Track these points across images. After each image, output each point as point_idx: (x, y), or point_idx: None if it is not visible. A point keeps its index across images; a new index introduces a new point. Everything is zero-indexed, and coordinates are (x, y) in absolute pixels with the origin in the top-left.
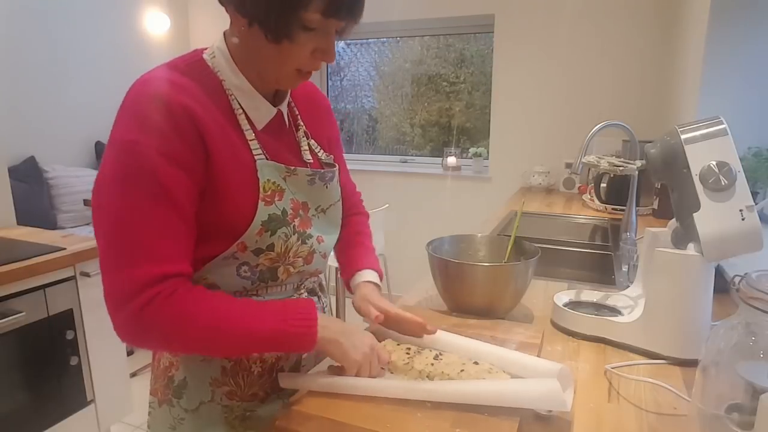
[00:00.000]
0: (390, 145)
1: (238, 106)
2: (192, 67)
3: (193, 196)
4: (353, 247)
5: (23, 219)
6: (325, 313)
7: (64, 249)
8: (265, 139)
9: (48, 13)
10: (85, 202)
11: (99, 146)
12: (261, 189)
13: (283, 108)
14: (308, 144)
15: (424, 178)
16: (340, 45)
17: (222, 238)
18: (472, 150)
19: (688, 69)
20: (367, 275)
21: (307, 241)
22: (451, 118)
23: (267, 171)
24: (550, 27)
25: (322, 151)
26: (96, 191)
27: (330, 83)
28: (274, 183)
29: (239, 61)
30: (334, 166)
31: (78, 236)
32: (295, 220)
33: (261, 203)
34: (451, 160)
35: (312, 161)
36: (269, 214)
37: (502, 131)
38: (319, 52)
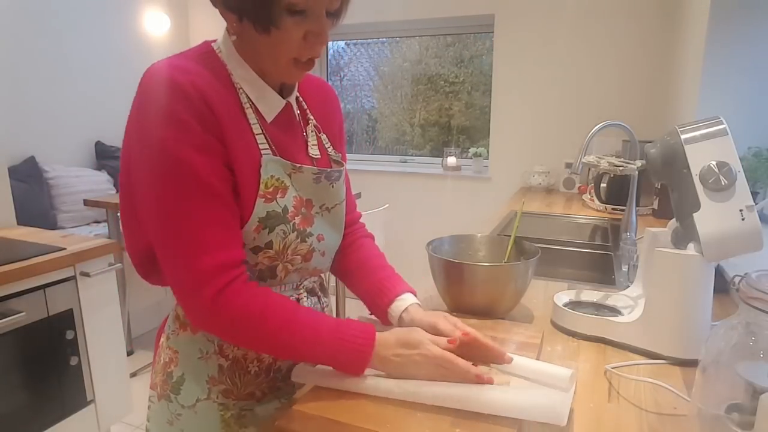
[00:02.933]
0: (390, 145)
1: (246, 99)
2: (202, 56)
3: (228, 179)
4: (376, 271)
5: (23, 219)
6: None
7: (64, 249)
8: (274, 132)
9: (48, 13)
10: (85, 202)
11: (99, 146)
12: (262, 185)
13: (292, 101)
14: (318, 138)
15: (424, 178)
16: (339, 45)
17: None
18: (472, 150)
19: (688, 69)
20: (410, 298)
21: (306, 239)
22: (450, 118)
23: (271, 167)
24: (550, 27)
25: (331, 147)
26: (140, 192)
27: (330, 83)
28: (277, 180)
29: (241, 57)
30: (342, 165)
31: (78, 236)
32: (296, 217)
33: (260, 200)
34: (451, 160)
35: (320, 156)
36: (267, 212)
37: (502, 131)
38: (311, 35)
